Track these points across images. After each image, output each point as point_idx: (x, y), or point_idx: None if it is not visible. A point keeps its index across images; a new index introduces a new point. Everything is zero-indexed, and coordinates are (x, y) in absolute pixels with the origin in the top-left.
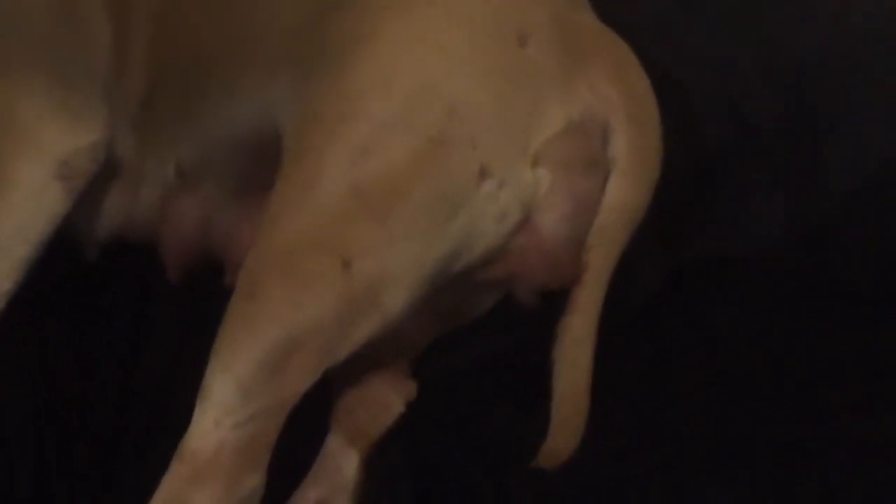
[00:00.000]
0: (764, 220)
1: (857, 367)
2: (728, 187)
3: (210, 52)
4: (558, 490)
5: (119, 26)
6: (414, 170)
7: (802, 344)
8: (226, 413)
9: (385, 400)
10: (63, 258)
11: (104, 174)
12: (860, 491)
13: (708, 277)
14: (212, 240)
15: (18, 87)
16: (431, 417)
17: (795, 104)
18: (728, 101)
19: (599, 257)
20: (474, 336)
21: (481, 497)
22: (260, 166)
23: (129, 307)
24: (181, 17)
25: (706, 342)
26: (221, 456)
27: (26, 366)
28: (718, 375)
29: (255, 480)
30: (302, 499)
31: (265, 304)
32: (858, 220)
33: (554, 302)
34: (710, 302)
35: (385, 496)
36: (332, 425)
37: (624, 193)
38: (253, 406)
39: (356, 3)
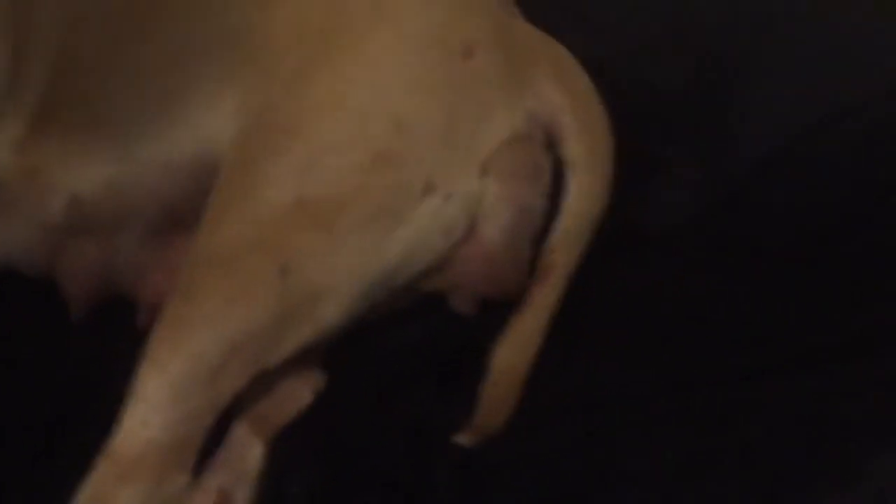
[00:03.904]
0: (677, 190)
1: (776, 328)
2: (640, 160)
3: (134, 75)
4: (481, 463)
5: (16, 33)
6: (359, 184)
7: (720, 309)
8: (156, 412)
9: (293, 391)
10: None
11: None
12: (782, 452)
13: (624, 248)
14: (117, 282)
15: None
16: (342, 401)
17: (704, 74)
18: (638, 74)
19: (562, 259)
20: (387, 324)
21: (400, 474)
22: (187, 201)
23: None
24: (95, 32)
25: (626, 311)
26: (148, 454)
27: None
28: (640, 343)
29: (181, 481)
30: (203, 487)
31: (202, 306)
32: (770, 186)
33: None
34: (630, 272)
35: (293, 479)
36: (237, 413)
37: (583, 195)
38: (184, 407)
39: (306, 25)
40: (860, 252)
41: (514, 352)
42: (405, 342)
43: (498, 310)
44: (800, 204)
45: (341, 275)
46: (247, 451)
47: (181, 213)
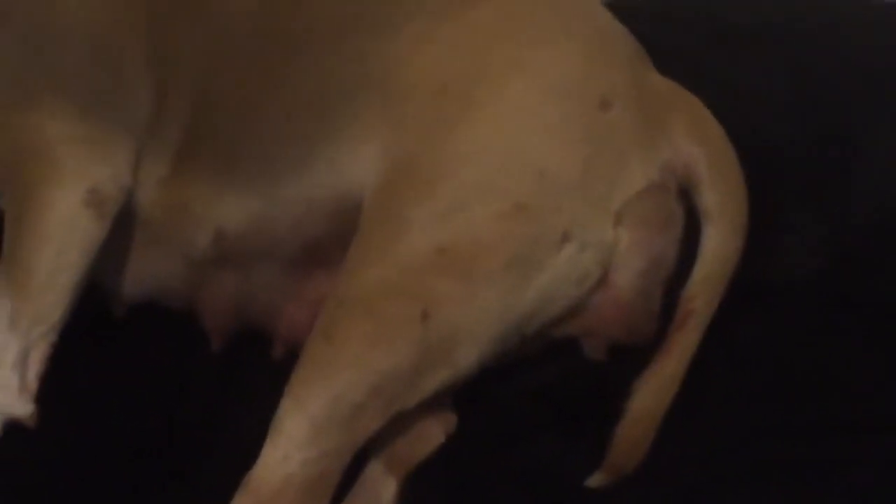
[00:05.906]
0: (800, 247)
1: (888, 386)
2: (765, 217)
3: (275, 116)
4: None
5: (159, 71)
6: (499, 232)
7: (836, 367)
8: (296, 449)
9: (426, 430)
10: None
11: (123, 226)
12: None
13: (742, 302)
14: (255, 315)
15: (48, 113)
16: (471, 443)
17: (828, 136)
18: (761, 132)
19: (702, 305)
20: (516, 366)
21: None
22: (327, 237)
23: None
24: (237, 72)
25: (745, 363)
26: (287, 490)
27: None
28: (748, 395)
29: None
30: None
31: (343, 346)
32: (889, 245)
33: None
34: (751, 324)
35: None
36: (371, 451)
37: (721, 243)
38: (323, 445)
39: (447, 75)
40: None
41: (653, 395)
42: (535, 385)
43: (627, 355)
44: None
45: (479, 320)
46: (381, 488)
47: (321, 248)
